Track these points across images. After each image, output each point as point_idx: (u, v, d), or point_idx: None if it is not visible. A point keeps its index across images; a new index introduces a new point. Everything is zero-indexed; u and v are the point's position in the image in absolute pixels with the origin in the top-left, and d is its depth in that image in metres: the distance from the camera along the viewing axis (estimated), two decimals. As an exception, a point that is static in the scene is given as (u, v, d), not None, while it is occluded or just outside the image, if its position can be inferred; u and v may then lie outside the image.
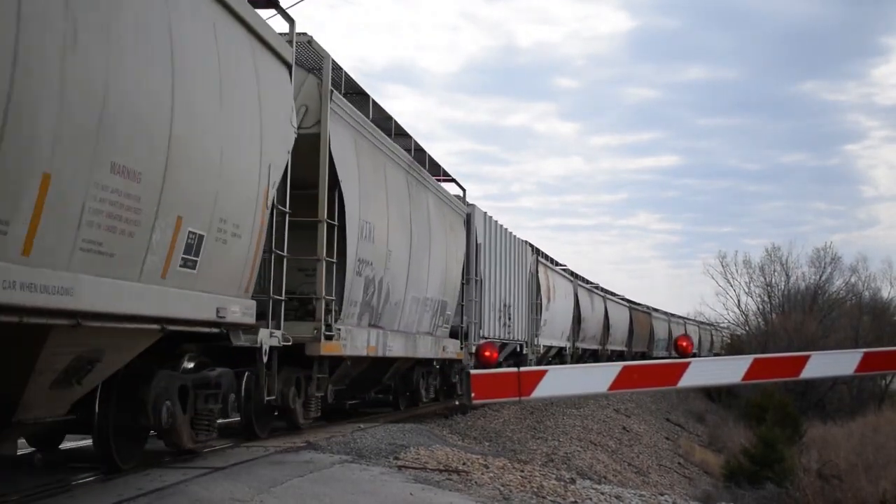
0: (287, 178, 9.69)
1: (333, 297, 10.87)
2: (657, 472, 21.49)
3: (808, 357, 6.24)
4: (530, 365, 24.95)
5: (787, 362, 6.44)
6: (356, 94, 13.26)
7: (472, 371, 5.75)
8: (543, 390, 5.81)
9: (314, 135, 10.71)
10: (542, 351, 28.78)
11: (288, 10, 11.70)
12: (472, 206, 20.21)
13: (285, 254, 9.62)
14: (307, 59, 11.24)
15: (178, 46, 6.68)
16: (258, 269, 8.82)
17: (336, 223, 11.02)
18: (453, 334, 18.37)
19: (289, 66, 9.53)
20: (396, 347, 13.61)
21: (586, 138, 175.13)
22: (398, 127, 14.96)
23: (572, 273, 37.72)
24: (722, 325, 67.79)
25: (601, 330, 40.92)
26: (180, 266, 7.12)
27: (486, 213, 21.39)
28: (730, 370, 6.50)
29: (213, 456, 8.93)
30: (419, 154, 16.31)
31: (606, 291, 45.45)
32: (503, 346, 22.81)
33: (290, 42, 9.67)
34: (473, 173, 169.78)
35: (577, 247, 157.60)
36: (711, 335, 71.41)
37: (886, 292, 62.14)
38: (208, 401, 8.52)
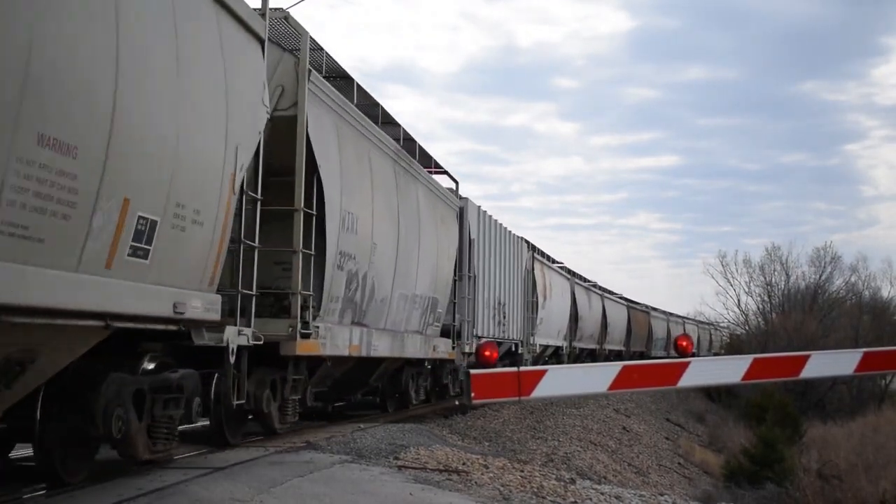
0: (259, 163, 8.91)
1: (311, 293, 10.09)
2: (657, 472, 21.36)
3: (808, 357, 6.19)
4: (526, 365, 24.26)
5: (787, 362, 6.41)
6: (340, 79, 12.50)
7: (472, 371, 5.67)
8: (543, 390, 5.76)
9: (291, 117, 9.94)
10: (538, 350, 28.01)
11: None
12: (466, 199, 19.44)
13: (256, 244, 8.84)
14: (285, 37, 10.48)
15: (125, 4, 5.90)
16: (224, 261, 8.03)
17: (315, 213, 10.24)
18: (445, 333, 17.59)
19: (261, 41, 8.74)
20: (382, 347, 12.83)
21: (586, 138, 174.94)
22: (386, 114, 14.18)
23: (569, 271, 36.95)
24: (722, 324, 67.48)
25: (599, 329, 40.22)
26: (129, 255, 6.33)
27: (479, 206, 20.62)
28: (730, 370, 6.47)
29: (212, 456, 8.89)
30: (409, 144, 15.54)
31: (604, 290, 44.75)
32: (498, 345, 22.03)
33: (263, 15, 8.89)
34: (473, 173, 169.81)
35: (577, 246, 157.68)
36: (710, 335, 70.99)
37: (886, 292, 62.48)
38: (168, 406, 7.74)
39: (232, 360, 8.24)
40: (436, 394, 19.29)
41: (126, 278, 6.32)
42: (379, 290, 12.62)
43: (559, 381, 6.04)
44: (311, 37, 10.34)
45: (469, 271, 19.33)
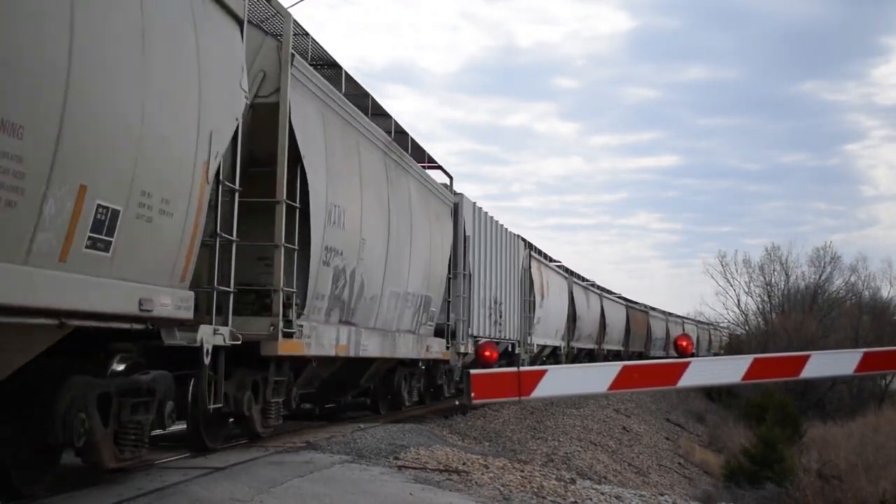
0: (237, 151, 8.40)
1: (295, 290, 9.57)
2: (657, 472, 21.31)
3: (808, 357, 6.18)
4: (523, 365, 23.79)
5: (787, 362, 6.39)
6: (327, 67, 11.99)
7: (472, 371, 5.66)
8: (543, 390, 5.76)
9: (273, 104, 9.43)
10: (535, 350, 27.50)
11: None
12: (461, 195, 18.93)
13: (234, 238, 8.32)
14: (267, 21, 9.97)
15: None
16: (199, 256, 7.51)
17: (298, 205, 9.72)
18: (439, 333, 17.08)
19: (239, 22, 8.23)
20: (372, 347, 12.31)
21: (586, 138, 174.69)
22: (376, 105, 13.66)
23: (567, 269, 36.44)
24: (721, 324, 67.24)
25: (597, 329, 39.73)
26: (88, 247, 5.81)
27: (475, 203, 20.12)
28: (730, 370, 6.45)
29: (212, 456, 8.86)
30: (401, 137, 15.01)
31: (602, 289, 44.27)
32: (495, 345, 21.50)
33: (242, -6, 8.37)
34: (473, 173, 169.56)
35: (577, 246, 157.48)
36: (710, 334, 70.65)
37: (886, 292, 62.73)
38: (137, 410, 7.21)
39: (207, 360, 7.71)
40: (430, 395, 18.78)
41: (84, 272, 5.80)
42: (368, 288, 12.11)
43: (559, 382, 6.02)
44: (295, 20, 9.82)
45: (464, 269, 18.82)
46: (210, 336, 7.75)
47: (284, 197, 9.36)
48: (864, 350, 6.40)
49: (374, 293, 12.46)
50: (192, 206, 7.19)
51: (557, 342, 31.91)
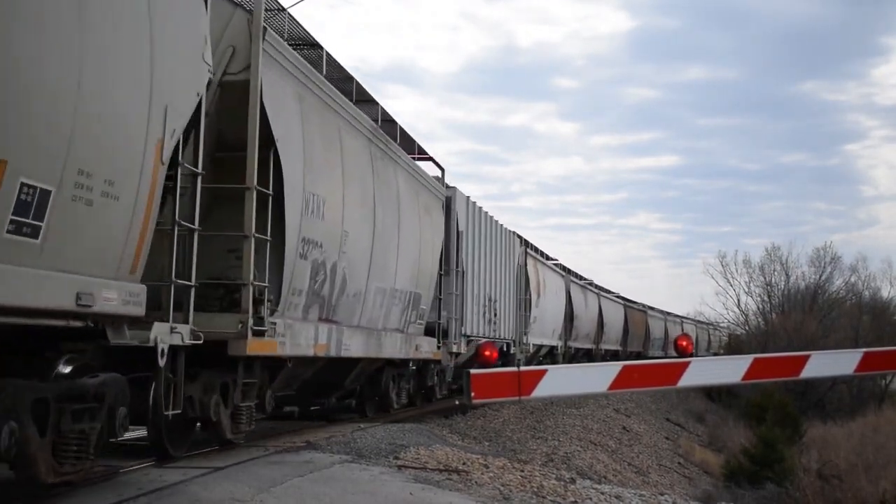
0: (201, 131, 7.63)
1: (267, 284, 8.80)
2: (657, 472, 21.27)
3: (808, 357, 6.15)
4: (519, 365, 23.07)
5: (787, 362, 6.36)
6: (307, 47, 11.22)
7: (472, 371, 5.59)
8: (543, 390, 5.74)
9: (243, 82, 8.65)
10: (531, 350, 26.74)
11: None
12: (454, 188, 18.17)
13: (196, 227, 7.55)
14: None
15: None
16: (150, 245, 6.74)
17: (271, 193, 8.95)
18: (430, 332, 16.32)
19: (203, -12, 7.47)
20: (355, 346, 11.54)
21: (586, 138, 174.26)
22: (362, 91, 12.89)
23: (564, 268, 35.69)
24: (721, 324, 66.87)
25: (595, 328, 39.00)
26: (10, 232, 5.06)
27: (468, 197, 19.35)
28: (730, 370, 6.42)
29: (213, 456, 8.82)
30: (389, 126, 14.25)
31: (600, 288, 43.54)
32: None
33: (206, -43, 7.60)
34: (473, 173, 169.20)
35: (577, 246, 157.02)
36: (709, 334, 70.15)
37: (886, 292, 62.70)
38: (81, 418, 6.43)
39: (162, 362, 6.94)
40: (422, 396, 18.02)
41: (5, 261, 5.04)
42: (351, 284, 11.34)
43: (559, 381, 5.97)
44: (268, -9, 9.05)
45: (457, 266, 18.07)
46: (166, 335, 6.98)
47: (255, 183, 8.58)
48: (864, 350, 6.36)
49: (358, 289, 11.70)
50: (143, 188, 6.42)
51: (554, 342, 31.16)
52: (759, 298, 58.70)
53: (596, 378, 6.07)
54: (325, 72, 11.25)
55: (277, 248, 9.16)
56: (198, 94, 7.34)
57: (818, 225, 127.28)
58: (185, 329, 7.29)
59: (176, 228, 7.17)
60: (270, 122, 8.80)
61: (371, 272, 12.08)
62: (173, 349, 7.31)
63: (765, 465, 24.32)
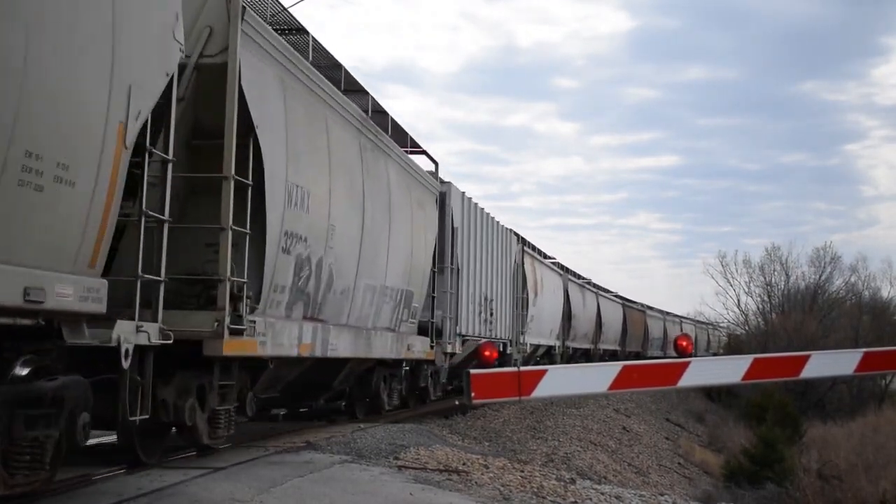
0: (171, 114, 7.11)
1: (246, 280, 8.27)
2: (657, 472, 21.27)
3: (808, 357, 6.15)
4: (515, 365, 22.60)
5: (787, 362, 6.38)
6: (292, 32, 10.71)
7: (472, 371, 5.59)
8: (543, 390, 5.76)
9: (220, 65, 8.13)
10: (528, 350, 26.23)
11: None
12: (448, 183, 17.64)
13: (165, 217, 7.02)
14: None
15: None
16: (111, 236, 6.22)
17: (251, 183, 8.42)
18: (423, 331, 15.80)
19: (173, -39, 6.94)
20: (343, 346, 11.02)
21: (586, 138, 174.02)
22: (351, 80, 12.37)
23: (562, 266, 35.17)
24: (721, 324, 66.64)
25: (593, 328, 38.51)
26: (-56, 218, 4.54)
27: (464, 192, 18.81)
28: (730, 370, 6.41)
29: (213, 456, 8.81)
30: (380, 117, 13.73)
31: (599, 287, 43.05)
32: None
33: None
34: (473, 173, 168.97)
35: (577, 246, 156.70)
36: (708, 334, 69.80)
37: (886, 292, 62.86)
38: (35, 425, 5.90)
39: (126, 363, 6.41)
40: (416, 398, 17.50)
41: (-62, 250, 4.52)
42: (339, 280, 10.82)
43: (559, 381, 5.98)
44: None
45: (452, 263, 17.55)
46: (131, 334, 6.45)
47: (233, 172, 8.05)
48: (864, 350, 6.35)
49: (346, 286, 11.17)
50: (103, 174, 5.90)
51: (552, 341, 30.66)
52: (759, 298, 58.87)
53: (596, 378, 6.08)
54: (311, 58, 10.73)
55: (258, 241, 8.64)
56: (167, 75, 6.82)
57: (818, 225, 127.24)
58: (152, 328, 6.77)
59: (143, 219, 6.64)
60: (250, 107, 8.28)
61: (360, 268, 11.56)
62: (141, 350, 6.79)
63: (765, 465, 24.34)
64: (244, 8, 8.22)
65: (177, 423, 8.12)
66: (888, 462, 24.72)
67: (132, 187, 6.61)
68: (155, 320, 6.89)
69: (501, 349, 22.72)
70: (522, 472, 10.08)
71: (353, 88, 12.47)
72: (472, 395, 5.51)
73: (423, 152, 16.10)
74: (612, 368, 5.96)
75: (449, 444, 11.84)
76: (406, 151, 14.93)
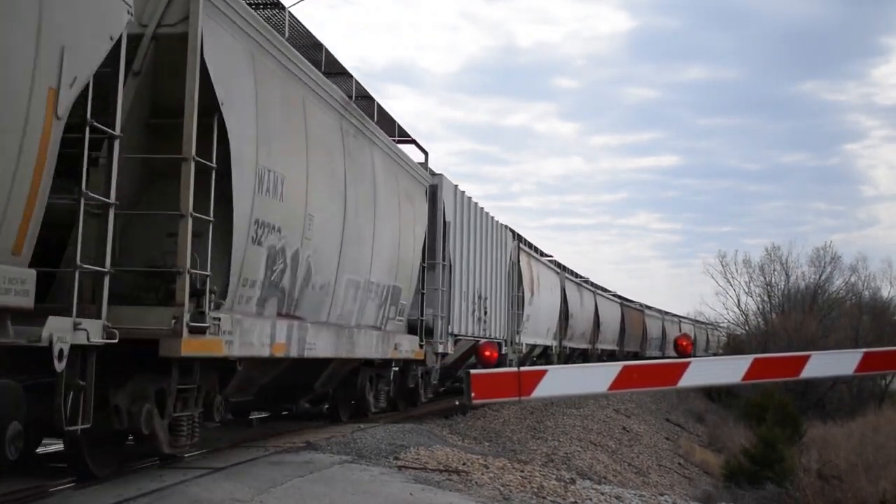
0: (119, 85, 6.33)
1: (210, 273, 7.49)
2: (657, 473, 21.24)
3: (808, 357, 6.19)
4: (510, 366, 21.86)
5: (787, 362, 6.41)
6: (265, 6, 9.93)
7: (472, 371, 5.64)
8: (543, 390, 5.80)
9: (181, 35, 7.35)
10: (524, 350, 25.45)
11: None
12: (440, 175, 16.86)
13: (111, 201, 6.24)
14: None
15: None
16: (41, 219, 5.44)
17: (215, 166, 7.63)
18: (412, 330, 15.03)
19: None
20: (322, 345, 10.23)
21: (586, 138, 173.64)
22: (333, 61, 11.59)
23: (559, 265, 34.39)
24: (721, 324, 66.29)
25: (591, 328, 37.74)
26: None
27: (456, 186, 18.04)
28: (730, 370, 6.44)
29: (212, 456, 8.84)
30: (365, 103, 12.95)
31: (596, 286, 42.28)
32: (477, 343, 19.43)
33: None
34: (473, 173, 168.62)
35: (577, 246, 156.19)
36: (707, 334, 69.29)
37: (886, 292, 62.95)
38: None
39: (61, 366, 5.62)
40: (406, 399, 16.72)
41: None
42: (318, 275, 10.04)
43: (559, 382, 6.03)
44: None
45: (443, 259, 16.77)
46: (66, 332, 5.66)
47: (193, 153, 7.26)
48: (865, 350, 6.38)
49: (326, 281, 10.39)
50: (29, 147, 5.13)
51: (549, 341, 29.89)
52: (759, 298, 58.62)
53: (596, 378, 6.10)
54: (287, 36, 9.96)
55: (224, 230, 7.85)
56: (111, 39, 6.04)
57: (818, 225, 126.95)
58: (94, 325, 5.98)
59: (82, 201, 5.86)
60: (213, 82, 7.49)
61: (342, 262, 10.78)
62: (84, 350, 6.02)
63: (765, 465, 24.25)
64: (206, -28, 7.44)
65: (132, 431, 7.34)
66: (888, 462, 24.62)
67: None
68: (98, 317, 6.11)
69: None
70: (522, 472, 10.08)
71: (335, 71, 11.70)
72: (473, 395, 5.56)
73: (413, 141, 15.30)
74: (613, 368, 5.99)
75: (449, 444, 11.80)
76: (394, 141, 14.15)
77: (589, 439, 20.25)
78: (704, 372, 6.31)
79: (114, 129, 6.28)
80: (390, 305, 13.12)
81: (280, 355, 9.01)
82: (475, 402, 5.68)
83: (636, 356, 46.67)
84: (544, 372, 5.87)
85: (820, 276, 57.66)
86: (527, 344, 25.92)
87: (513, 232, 25.09)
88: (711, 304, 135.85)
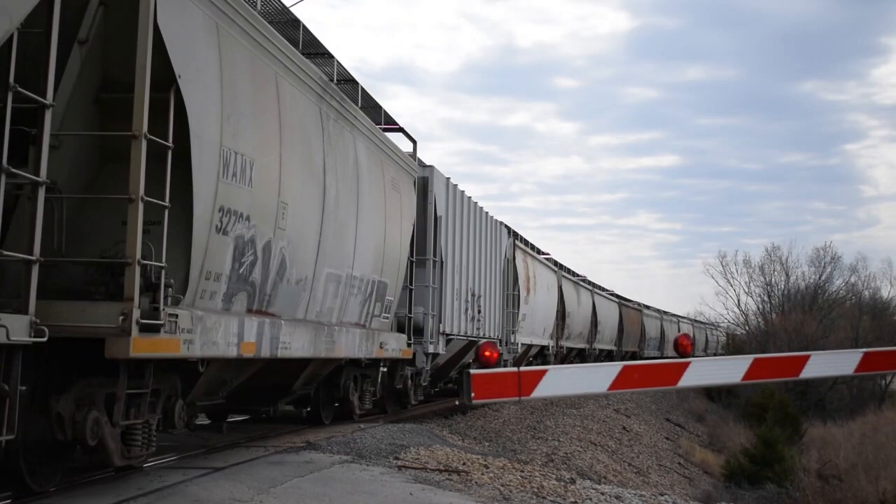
0: (51, 50, 5.56)
1: (165, 264, 6.71)
2: (657, 472, 21.29)
3: (808, 357, 6.19)
4: (505, 366, 21.10)
5: (787, 362, 6.39)
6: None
7: (472, 371, 5.64)
8: (543, 390, 5.79)
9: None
10: (520, 350, 24.67)
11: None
12: (431, 167, 16.09)
13: (42, 179, 5.46)
14: None
15: None
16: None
17: (172, 145, 6.85)
18: (401, 328, 14.27)
19: None
20: (298, 344, 9.44)
21: (586, 138, 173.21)
22: (311, 40, 10.81)
23: (556, 263, 33.63)
24: (721, 324, 66.02)
25: (588, 327, 37.01)
26: None
27: (448, 179, 17.26)
28: (730, 370, 6.44)
29: (212, 456, 8.87)
30: (348, 88, 12.17)
31: (594, 285, 41.55)
32: (471, 343, 18.67)
33: None
34: (473, 173, 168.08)
35: (577, 246, 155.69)
36: (706, 334, 68.86)
37: (886, 292, 63.84)
38: None
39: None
40: (394, 401, 15.96)
41: None
42: (293, 268, 9.26)
43: (559, 381, 6.04)
44: None
45: (434, 255, 16.00)
46: (-16, 329, 4.90)
47: (144, 130, 6.48)
48: (864, 350, 6.38)
49: (304, 275, 9.62)
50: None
51: (545, 341, 29.13)
52: (759, 298, 58.95)
53: (596, 378, 6.10)
54: (259, 9, 9.19)
55: (183, 218, 7.07)
56: (41, -4, 5.28)
57: (818, 225, 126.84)
58: (17, 321, 5.21)
59: (3, 178, 5.09)
60: (169, 52, 6.71)
61: (321, 255, 10.01)
62: (8, 350, 5.25)
63: (765, 465, 24.33)
64: (160, -72, 6.65)
65: (78, 441, 6.57)
66: (888, 462, 24.68)
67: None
68: (24, 312, 5.33)
69: (491, 349, 21.19)
70: (522, 472, 10.12)
71: (314, 51, 10.93)
72: (472, 394, 5.56)
73: (400, 129, 14.51)
74: (613, 368, 5.98)
75: (449, 444, 11.81)
76: (381, 128, 13.37)
77: (589, 439, 20.19)
78: (704, 372, 6.28)
79: (44, 97, 5.50)
80: (375, 302, 12.34)
81: (249, 356, 8.23)
82: (475, 401, 5.66)
83: (634, 356, 46.09)
84: (544, 372, 5.86)
85: (820, 277, 58.20)
86: (523, 344, 25.16)
87: (508, 228, 24.33)
88: (711, 305, 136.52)
